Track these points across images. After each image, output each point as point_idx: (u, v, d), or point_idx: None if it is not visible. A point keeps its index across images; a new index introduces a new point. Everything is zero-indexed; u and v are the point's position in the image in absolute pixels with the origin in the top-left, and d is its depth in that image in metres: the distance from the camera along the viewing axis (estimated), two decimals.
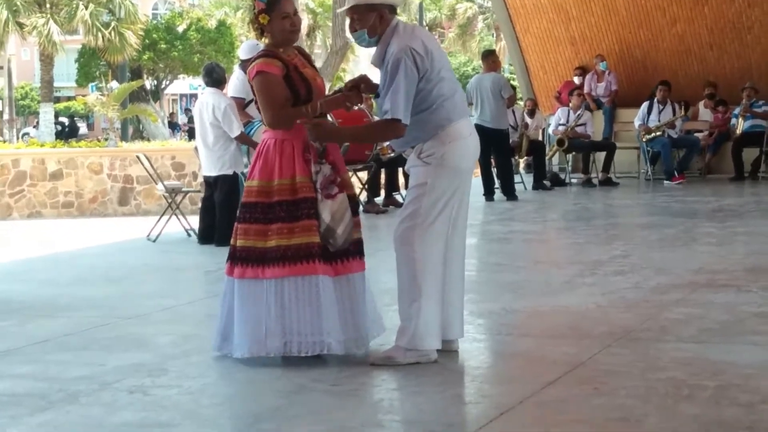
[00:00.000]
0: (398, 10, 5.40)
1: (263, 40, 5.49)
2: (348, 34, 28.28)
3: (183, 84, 50.70)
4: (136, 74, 35.40)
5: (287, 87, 5.29)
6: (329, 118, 6.02)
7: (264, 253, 5.18)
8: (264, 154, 5.28)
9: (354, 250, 5.32)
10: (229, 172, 10.17)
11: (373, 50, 5.29)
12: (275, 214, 5.20)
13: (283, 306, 5.15)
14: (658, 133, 15.98)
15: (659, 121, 16.02)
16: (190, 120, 24.77)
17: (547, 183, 15.56)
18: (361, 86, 5.38)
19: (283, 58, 5.34)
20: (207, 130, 10.13)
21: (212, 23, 39.21)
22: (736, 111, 16.38)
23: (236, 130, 9.98)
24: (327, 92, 5.63)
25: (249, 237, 5.25)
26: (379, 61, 5.22)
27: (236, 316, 5.28)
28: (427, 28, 37.14)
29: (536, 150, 15.71)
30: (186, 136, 31.12)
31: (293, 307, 5.14)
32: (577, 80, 17.96)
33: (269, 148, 5.28)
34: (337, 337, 5.18)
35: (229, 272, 5.32)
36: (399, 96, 5.06)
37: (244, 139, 10.09)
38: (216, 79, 10.28)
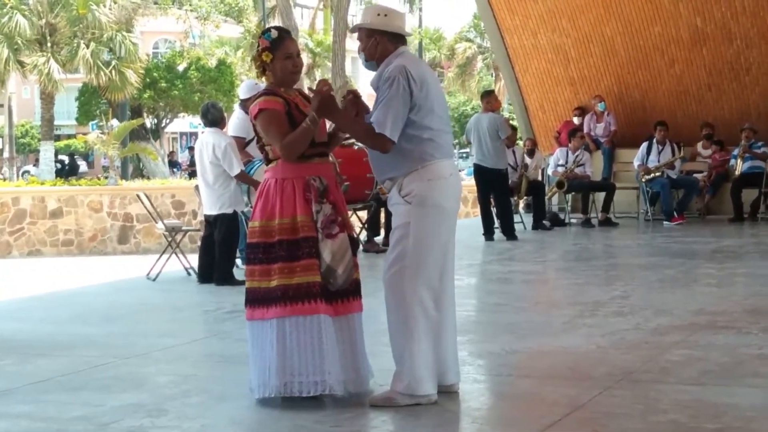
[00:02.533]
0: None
1: (263, 78, 5.49)
2: (347, 72, 28.47)
3: (183, 122, 50.86)
4: (137, 113, 35.50)
5: (289, 123, 5.30)
6: (331, 158, 6.01)
7: (268, 293, 5.18)
8: (265, 194, 5.28)
9: (353, 290, 5.31)
10: (229, 211, 10.18)
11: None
12: (276, 254, 5.18)
13: (284, 346, 5.11)
14: (657, 174, 16.02)
15: (658, 161, 16.06)
16: (192, 162, 24.81)
17: (546, 223, 15.56)
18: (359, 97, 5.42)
19: (285, 96, 5.37)
20: (207, 168, 10.14)
21: (212, 62, 39.37)
22: (735, 152, 16.41)
23: (236, 168, 10.00)
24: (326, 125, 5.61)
25: (254, 278, 5.25)
26: (375, 83, 5.26)
27: (250, 358, 5.30)
28: None
29: (536, 190, 15.72)
30: (186, 176, 31.13)
31: (294, 347, 5.11)
32: (576, 120, 17.98)
33: (270, 187, 5.27)
34: (338, 377, 5.14)
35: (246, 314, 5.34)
36: (388, 111, 5.08)
37: (244, 178, 10.10)
38: (211, 120, 10.28)
